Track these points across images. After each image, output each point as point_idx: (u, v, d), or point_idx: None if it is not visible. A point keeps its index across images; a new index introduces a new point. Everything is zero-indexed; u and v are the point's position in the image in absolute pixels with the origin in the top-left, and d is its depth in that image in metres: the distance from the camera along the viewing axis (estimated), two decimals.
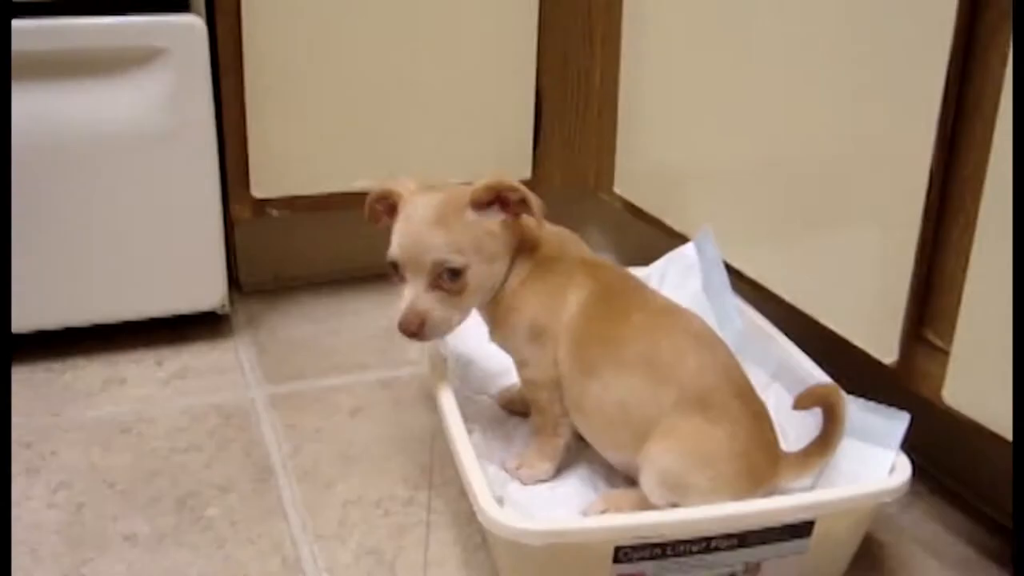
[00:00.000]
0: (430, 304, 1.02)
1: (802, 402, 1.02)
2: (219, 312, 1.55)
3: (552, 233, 1.11)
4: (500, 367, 1.25)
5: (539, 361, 1.08)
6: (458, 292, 1.03)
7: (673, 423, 0.99)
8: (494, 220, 1.05)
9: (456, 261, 1.01)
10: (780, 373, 1.20)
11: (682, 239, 1.44)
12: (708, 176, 1.42)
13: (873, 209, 1.10)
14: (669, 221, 1.51)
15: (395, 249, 1.03)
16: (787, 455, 1.03)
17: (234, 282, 1.71)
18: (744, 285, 1.34)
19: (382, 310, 1.64)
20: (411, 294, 1.02)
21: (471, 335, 1.16)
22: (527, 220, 1.07)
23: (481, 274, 1.04)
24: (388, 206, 1.08)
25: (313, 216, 1.71)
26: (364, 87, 1.57)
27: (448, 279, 1.01)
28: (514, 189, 1.03)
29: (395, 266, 1.03)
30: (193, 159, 1.44)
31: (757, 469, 0.99)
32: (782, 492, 1.01)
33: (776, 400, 1.17)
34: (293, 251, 1.76)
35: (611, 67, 1.64)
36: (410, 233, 1.02)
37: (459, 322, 1.05)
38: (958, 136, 1.00)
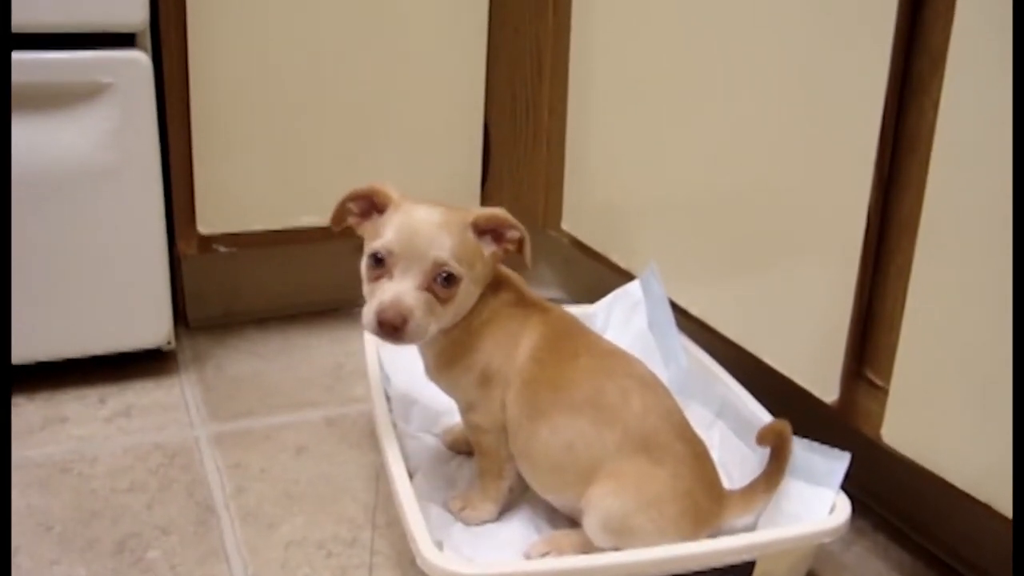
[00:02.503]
0: (417, 302, 0.97)
1: (764, 438, 1.03)
2: (164, 349, 1.53)
3: (513, 276, 1.12)
4: (444, 406, 1.25)
5: (487, 405, 1.08)
6: (444, 300, 0.99)
7: (617, 465, 0.99)
8: (487, 248, 1.05)
9: (456, 268, 0.99)
10: (724, 411, 1.21)
11: (628, 276, 1.45)
12: (654, 213, 1.43)
13: (814, 248, 1.12)
14: (615, 258, 1.52)
15: (391, 239, 0.98)
16: (730, 494, 1.04)
17: (181, 318, 1.69)
18: (689, 323, 1.35)
19: (331, 347, 1.64)
20: (399, 287, 0.97)
21: (417, 373, 1.15)
22: (503, 271, 1.09)
23: (465, 293, 1.02)
24: (366, 208, 1.05)
25: (262, 251, 1.70)
26: (311, 124, 1.56)
27: (442, 283, 0.99)
28: (515, 227, 1.04)
29: (381, 260, 0.98)
30: (138, 195, 1.42)
31: (701, 509, 0.99)
32: (725, 532, 1.02)
33: (720, 438, 1.18)
34: (242, 287, 1.75)
35: (559, 101, 1.65)
36: (413, 228, 0.99)
37: (431, 333, 1.00)
38: (894, 178, 1.02)
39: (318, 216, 1.60)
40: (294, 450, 1.33)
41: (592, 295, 1.44)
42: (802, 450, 1.03)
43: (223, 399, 1.46)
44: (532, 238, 1.08)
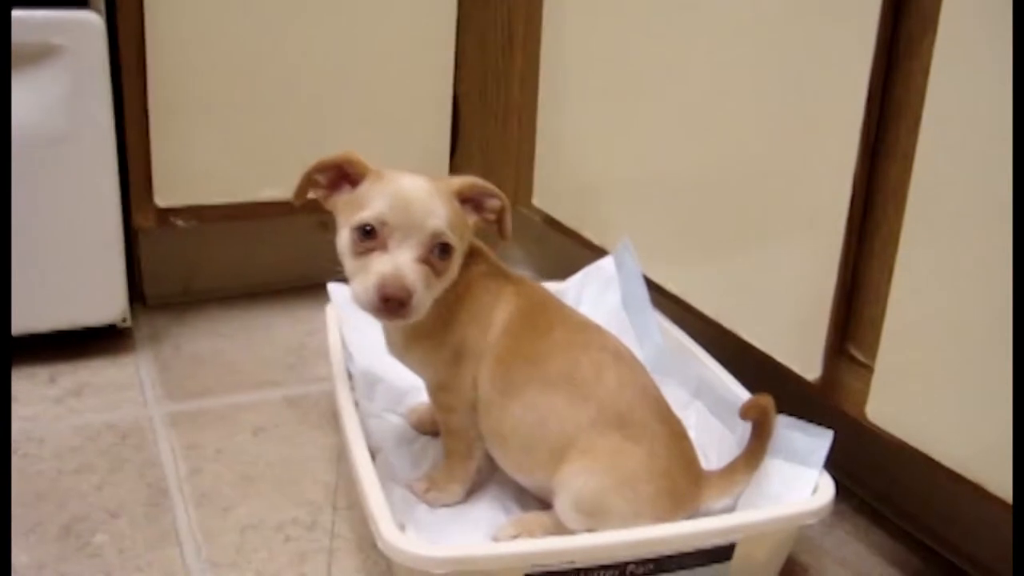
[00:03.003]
0: (418, 276, 0.91)
1: (747, 412, 0.98)
2: (120, 326, 1.47)
3: (483, 247, 1.06)
4: (409, 384, 1.20)
5: (458, 383, 1.03)
6: (440, 273, 0.94)
7: (591, 442, 0.95)
8: (469, 218, 1.00)
9: (451, 238, 0.93)
10: (701, 391, 1.17)
11: (602, 253, 1.40)
12: (628, 189, 1.39)
13: (795, 221, 1.07)
14: (588, 234, 1.47)
15: (383, 209, 0.91)
16: (709, 474, 0.99)
17: (138, 295, 1.63)
18: (665, 300, 1.31)
19: (293, 325, 1.59)
20: (399, 259, 0.91)
21: (382, 351, 1.10)
22: (474, 241, 1.03)
23: (455, 266, 0.97)
24: (335, 179, 0.98)
25: (223, 226, 1.65)
26: (274, 93, 1.50)
27: (439, 255, 0.93)
28: (497, 196, 1.00)
29: (370, 232, 0.92)
30: (91, 164, 1.36)
31: (678, 489, 0.95)
32: (704, 513, 0.97)
33: (697, 419, 1.14)
34: (202, 263, 1.69)
35: (531, 77, 1.60)
36: (407, 197, 0.93)
37: (426, 310, 0.94)
38: (881, 146, 0.98)
39: (280, 189, 1.55)
40: (252, 431, 1.27)
41: (564, 274, 1.40)
42: (784, 428, 0.98)
43: (180, 378, 1.41)
44: (514, 221, 1.03)
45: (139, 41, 1.40)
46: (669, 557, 0.88)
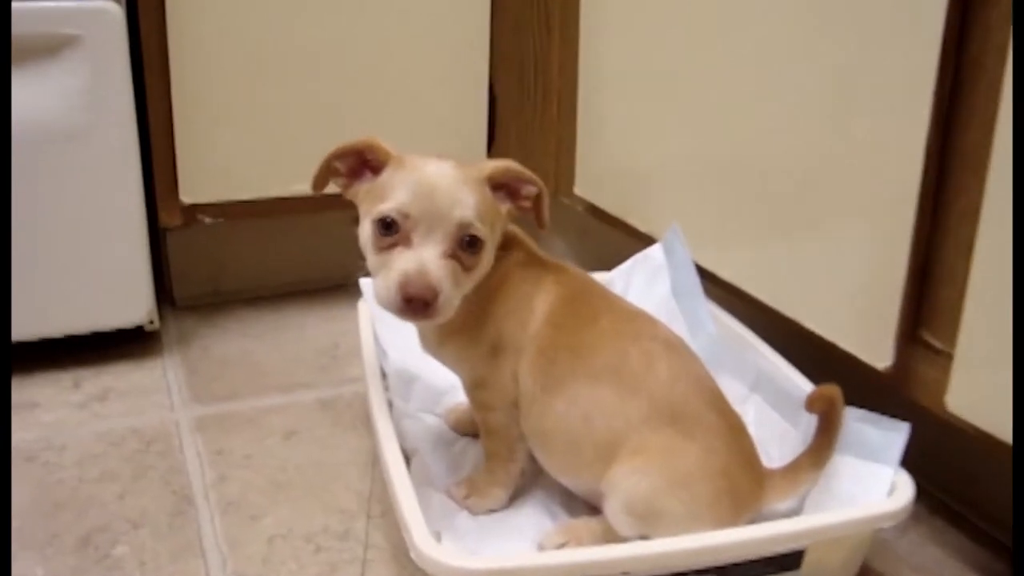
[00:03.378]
0: (445, 273, 0.84)
1: (814, 404, 0.90)
2: (147, 328, 1.41)
3: (520, 234, 0.99)
4: (447, 384, 1.12)
5: (497, 380, 0.95)
6: (469, 268, 0.86)
7: (643, 439, 0.87)
8: (503, 206, 0.92)
9: (481, 230, 0.86)
10: (760, 384, 1.08)
11: (649, 241, 1.32)
12: (676, 173, 1.31)
13: (861, 197, 0.99)
14: (634, 222, 1.39)
15: (406, 200, 0.84)
16: (772, 473, 0.91)
17: (167, 297, 1.58)
18: (717, 288, 1.23)
19: (326, 325, 1.52)
20: (423, 255, 0.83)
21: (418, 348, 1.03)
22: (510, 228, 0.96)
23: (487, 259, 0.89)
24: (355, 166, 0.91)
25: (252, 224, 1.59)
26: (302, 84, 1.44)
27: (467, 249, 0.86)
28: (533, 181, 0.92)
29: (392, 225, 0.84)
30: (112, 160, 1.31)
31: (739, 490, 0.87)
32: (766, 516, 0.89)
33: (756, 414, 1.06)
34: (231, 263, 1.63)
35: (570, 60, 1.53)
36: (431, 186, 0.85)
37: (454, 309, 0.86)
38: (956, 109, 0.89)
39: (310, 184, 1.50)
40: (283, 435, 1.20)
41: (609, 266, 1.32)
42: (855, 421, 0.90)
43: (208, 381, 1.34)
44: (552, 210, 0.96)
45: (161, 33, 1.35)
46: (732, 566, 0.80)
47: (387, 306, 0.85)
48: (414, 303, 0.83)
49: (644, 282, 1.26)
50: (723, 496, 0.86)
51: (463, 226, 0.85)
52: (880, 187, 0.96)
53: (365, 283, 1.23)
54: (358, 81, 1.47)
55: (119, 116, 1.29)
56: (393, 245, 0.85)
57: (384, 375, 1.14)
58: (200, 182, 1.44)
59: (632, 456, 0.87)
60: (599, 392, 0.90)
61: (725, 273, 1.20)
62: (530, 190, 0.93)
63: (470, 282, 0.89)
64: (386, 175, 0.89)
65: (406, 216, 0.85)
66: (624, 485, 0.86)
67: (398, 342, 1.17)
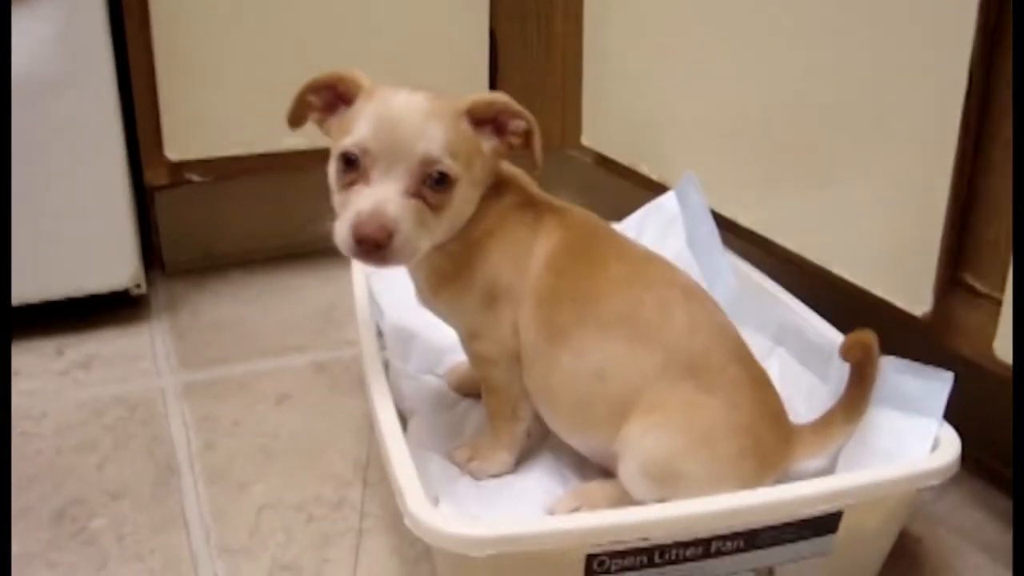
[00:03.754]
0: (404, 211, 0.77)
1: (849, 350, 0.82)
2: (133, 293, 1.33)
3: (515, 174, 0.91)
4: (449, 342, 1.04)
5: (494, 331, 0.88)
6: (438, 208, 0.79)
7: (659, 394, 0.80)
8: (487, 143, 0.84)
9: (450, 166, 0.78)
10: (784, 336, 1.00)
11: (661, 190, 1.24)
12: (690, 119, 1.22)
13: (894, 128, 0.90)
14: (645, 170, 1.31)
15: (365, 134, 0.78)
16: (800, 428, 0.84)
17: (156, 262, 1.50)
18: (736, 238, 1.15)
19: (322, 287, 1.45)
20: (380, 193, 0.77)
21: (415, 304, 0.95)
22: (507, 168, 0.89)
23: (463, 199, 0.82)
24: (331, 99, 0.85)
25: (244, 183, 1.50)
26: (295, 30, 1.35)
27: (434, 186, 0.78)
28: (521, 115, 0.83)
29: (353, 161, 0.78)
30: (91, 112, 1.23)
31: (764, 447, 0.80)
32: (794, 476, 0.82)
33: (781, 368, 0.98)
34: (223, 225, 1.55)
35: (574, 4, 1.44)
36: (394, 118, 0.78)
37: (423, 251, 0.80)
38: (1002, 24, 0.80)
39: (305, 138, 1.40)
40: (274, 399, 1.13)
41: (619, 220, 1.23)
42: (892, 371, 0.82)
43: (197, 346, 1.27)
44: (549, 158, 0.88)
45: None
46: (762, 530, 0.72)
47: (343, 248, 0.78)
48: (365, 244, 0.76)
49: (657, 233, 1.18)
50: (747, 455, 0.79)
51: (427, 161, 0.78)
52: (917, 115, 0.88)
53: None
54: (353, 28, 1.38)
55: (96, 65, 1.22)
56: (353, 183, 0.79)
57: (380, 334, 1.07)
58: (186, 137, 1.36)
59: (648, 413, 0.79)
60: (610, 343, 0.82)
61: (744, 220, 1.12)
62: (518, 125, 0.84)
63: (442, 224, 0.81)
64: (355, 107, 0.82)
65: (365, 151, 0.78)
66: (640, 445, 0.79)
67: (395, 299, 1.09)
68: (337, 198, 0.81)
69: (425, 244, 0.80)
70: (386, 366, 1.00)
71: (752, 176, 1.12)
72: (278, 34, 1.35)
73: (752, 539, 0.73)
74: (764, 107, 1.08)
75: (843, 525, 0.74)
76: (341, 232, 0.77)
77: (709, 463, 0.77)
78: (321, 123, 0.86)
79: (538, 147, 0.85)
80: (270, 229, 1.57)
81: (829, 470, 0.84)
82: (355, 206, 0.77)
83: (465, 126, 0.82)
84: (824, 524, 0.74)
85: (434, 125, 0.79)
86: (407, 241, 0.77)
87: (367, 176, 0.78)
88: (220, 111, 1.36)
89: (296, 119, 0.86)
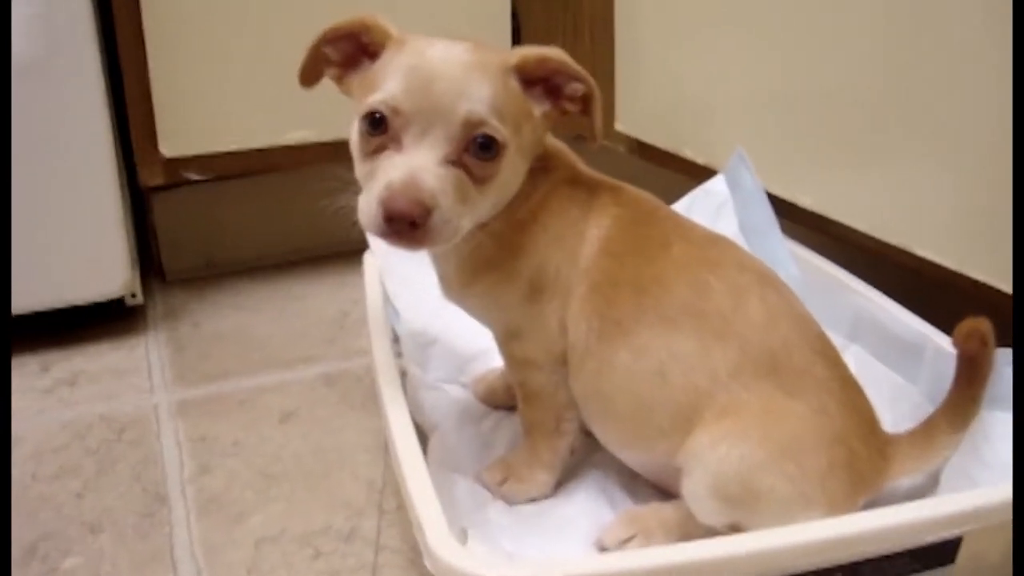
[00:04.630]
0: (443, 184, 0.65)
1: (965, 341, 0.69)
2: (128, 303, 1.22)
3: (564, 149, 0.78)
4: (475, 347, 0.93)
5: (539, 327, 0.75)
6: (483, 180, 0.67)
7: (733, 398, 0.67)
8: (538, 106, 0.71)
9: (497, 129, 0.66)
10: (860, 331, 0.88)
11: (708, 174, 1.12)
12: (737, 95, 1.11)
13: (980, 84, 0.77)
14: (689, 153, 1.19)
15: (396, 90, 0.66)
16: (897, 439, 0.71)
17: (156, 270, 1.38)
18: (795, 223, 1.02)
19: (334, 293, 1.32)
20: (414, 160, 0.65)
21: (436, 305, 0.82)
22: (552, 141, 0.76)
23: (510, 170, 0.69)
24: (352, 52, 0.72)
25: (248, 183, 1.39)
26: (300, 11, 1.23)
27: (478, 154, 0.66)
28: (580, 76, 0.70)
29: (381, 122, 0.66)
30: (76, 100, 1.11)
31: (858, 461, 0.67)
32: (889, 496, 0.69)
33: (858, 368, 0.85)
34: (228, 230, 1.43)
35: None
36: (431, 72, 0.66)
37: (464, 232, 0.67)
38: None
39: (312, 130, 1.29)
40: (279, 417, 1.01)
41: None
42: (1005, 366, 0.68)
43: (196, 360, 1.15)
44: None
45: None
46: (863, 564, 0.59)
47: (369, 228, 0.65)
48: (397, 222, 0.63)
49: (706, 221, 1.03)
50: (839, 470, 0.66)
51: (471, 123, 0.65)
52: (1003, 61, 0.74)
53: None
54: (366, 9, 1.26)
55: (80, 47, 1.10)
56: (381, 148, 0.66)
57: (397, 339, 0.94)
58: (183, 132, 1.24)
59: (720, 420, 0.66)
60: (675, 338, 0.69)
61: (806, 201, 1.00)
62: (576, 88, 0.71)
63: (487, 200, 0.68)
64: (382, 60, 0.69)
65: (396, 111, 0.65)
66: (710, 458, 0.66)
67: (413, 299, 0.97)
68: (361, 168, 0.68)
69: (467, 223, 0.67)
70: (403, 375, 0.87)
71: (812, 153, 1.00)
72: (283, 17, 1.23)
73: (853, 574, 0.59)
74: (822, 76, 0.96)
75: (962, 555, 0.61)
76: (367, 208, 0.65)
77: (794, 480, 0.64)
78: (340, 80, 0.73)
79: (598, 115, 0.72)
80: (277, 232, 1.45)
81: (930, 488, 0.71)
82: (385, 176, 0.65)
83: (514, 84, 0.69)
84: (939, 554, 0.60)
85: (479, 81, 0.66)
86: (447, 219, 0.65)
87: (398, 141, 0.66)
88: (219, 101, 1.24)
89: (309, 75, 0.74)
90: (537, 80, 0.71)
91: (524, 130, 0.70)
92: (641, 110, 1.30)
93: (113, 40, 1.17)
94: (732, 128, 1.12)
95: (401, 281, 0.98)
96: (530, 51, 0.70)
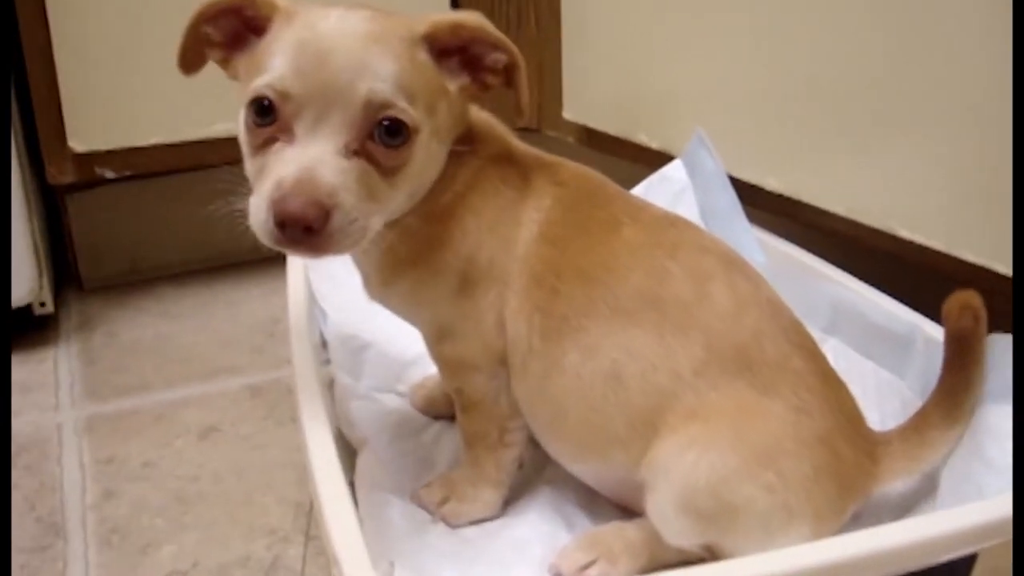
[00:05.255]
0: (343, 178, 0.56)
1: (955, 317, 0.61)
2: (37, 313, 1.12)
3: (489, 122, 0.69)
4: (414, 352, 0.84)
5: (473, 325, 0.66)
6: (392, 171, 0.58)
7: (700, 398, 0.59)
8: (453, 81, 0.62)
9: (405, 111, 0.57)
10: (839, 322, 0.81)
11: (665, 160, 1.03)
12: (697, 76, 1.03)
13: (964, 46, 0.69)
14: (644, 138, 1.11)
15: (283, 69, 0.56)
16: (886, 437, 0.64)
17: (73, 276, 1.27)
18: (760, 209, 0.94)
19: (265, 299, 1.23)
20: (309, 153, 0.56)
21: (368, 306, 0.73)
22: (478, 115, 0.67)
23: (424, 157, 0.60)
24: (236, 29, 0.62)
25: (171, 182, 1.28)
26: None
27: (384, 141, 0.57)
28: (500, 43, 0.61)
29: (268, 109, 0.56)
30: None
31: (844, 463, 0.59)
32: (881, 503, 0.61)
33: (837, 362, 0.76)
34: (151, 233, 1.33)
35: None
36: (324, 47, 0.57)
37: (372, 232, 0.58)
38: None
39: (234, 124, 1.19)
40: (198, 433, 0.91)
41: None
42: (1003, 352, 0.60)
43: (109, 372, 1.05)
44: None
45: None
46: None
47: (262, 235, 0.56)
48: (291, 227, 0.54)
49: (663, 208, 0.97)
50: (824, 476, 0.58)
51: (374, 105, 0.56)
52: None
53: None
54: None
55: None
56: (272, 141, 0.57)
57: (325, 344, 0.85)
58: (95, 125, 1.15)
59: (685, 424, 0.58)
60: (630, 333, 0.61)
61: (773, 183, 0.92)
62: (498, 57, 0.62)
63: (398, 192, 0.59)
64: (269, 36, 0.59)
65: (285, 96, 0.56)
66: (676, 469, 0.57)
67: (342, 300, 0.87)
68: (250, 165, 0.59)
69: (376, 222, 0.58)
70: (331, 384, 0.78)
71: (778, 132, 0.93)
72: None
73: None
74: (787, 51, 0.89)
75: (978, 571, 0.52)
76: (257, 212, 0.55)
77: (774, 489, 0.56)
78: (225, 64, 0.63)
79: (524, 86, 0.63)
80: (205, 234, 1.34)
81: (926, 491, 0.63)
82: (275, 174, 0.55)
83: (424, 57, 0.60)
84: (951, 573, 0.52)
85: (381, 54, 0.57)
86: (351, 219, 0.55)
87: (290, 131, 0.56)
88: (136, 91, 1.15)
89: (189, 60, 0.63)
90: (452, 50, 0.61)
91: (439, 109, 0.60)
92: (590, 96, 1.22)
93: (14, 20, 1.07)
94: (689, 110, 1.04)
95: (329, 280, 0.89)
96: (442, 17, 0.61)
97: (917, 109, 0.77)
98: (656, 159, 1.07)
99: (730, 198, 0.93)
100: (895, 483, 0.62)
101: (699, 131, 0.97)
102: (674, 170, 1.00)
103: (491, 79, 0.63)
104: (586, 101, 1.23)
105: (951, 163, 0.75)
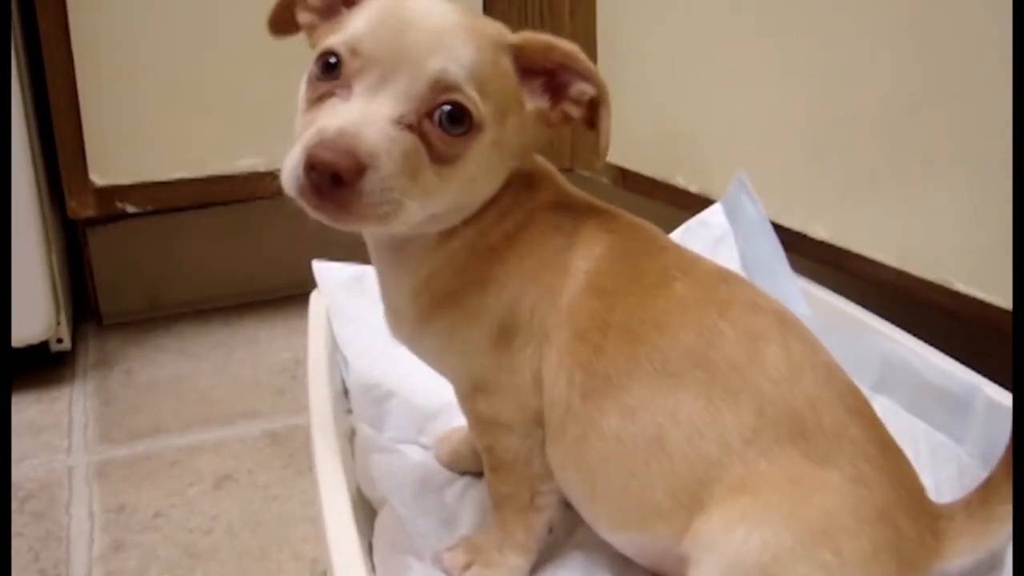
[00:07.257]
0: (389, 144, 0.52)
1: None
2: (54, 349, 1.09)
3: (551, 170, 0.66)
4: (440, 402, 0.79)
5: (509, 381, 0.62)
6: (444, 159, 0.55)
7: (751, 469, 0.55)
8: (532, 101, 0.59)
9: (474, 100, 0.55)
10: (889, 380, 0.76)
11: (704, 204, 1.00)
12: (737, 116, 1.00)
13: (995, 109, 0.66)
14: (681, 181, 1.07)
15: (360, 30, 0.55)
16: (948, 509, 0.59)
17: (92, 311, 1.25)
18: (804, 258, 0.90)
19: (287, 340, 1.20)
20: (361, 110, 0.53)
21: (393, 352, 0.69)
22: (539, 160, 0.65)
23: (483, 163, 0.57)
24: (332, 2, 0.61)
25: (194, 217, 1.26)
26: (246, 23, 1.11)
27: (444, 123, 0.54)
28: (591, 76, 0.58)
29: (334, 66, 0.54)
30: None
31: (906, 540, 0.55)
32: None
33: (887, 423, 0.72)
34: (172, 268, 1.30)
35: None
36: (406, 18, 0.55)
37: (410, 216, 0.54)
38: None
39: (264, 157, 1.16)
40: (213, 482, 0.88)
41: None
42: None
43: (124, 413, 1.02)
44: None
45: None
46: None
47: (288, 185, 0.52)
48: (320, 170, 0.50)
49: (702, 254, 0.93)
50: (884, 553, 0.53)
51: (442, 84, 0.54)
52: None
53: (319, 267, 0.90)
54: None
55: None
56: (328, 95, 0.55)
57: (346, 392, 0.81)
58: (117, 158, 1.13)
59: (735, 497, 0.54)
60: (677, 396, 0.57)
61: (820, 231, 0.88)
62: (584, 89, 0.59)
63: (445, 187, 0.56)
64: (359, 7, 0.58)
65: (355, 52, 0.54)
66: (724, 545, 0.53)
67: (365, 345, 0.84)
68: (301, 120, 0.56)
69: (412, 208, 0.54)
70: (352, 435, 0.74)
71: (825, 178, 0.89)
72: (232, 27, 1.10)
73: None
74: (835, 93, 0.85)
75: None
76: (291, 159, 0.52)
77: (831, 569, 0.52)
78: (312, 30, 0.61)
79: (607, 127, 0.60)
80: (227, 271, 1.32)
81: (989, 568, 0.58)
82: (320, 122, 0.52)
83: (507, 65, 0.58)
84: None
85: (463, 41, 0.55)
86: (385, 186, 0.52)
87: (349, 87, 0.54)
88: (159, 125, 1.13)
89: (279, 20, 0.62)
90: (539, 70, 0.59)
91: (509, 121, 0.57)
92: (626, 136, 1.18)
93: (38, 51, 1.05)
94: (729, 152, 1.01)
95: (352, 323, 0.85)
96: (536, 35, 0.58)
97: (969, 148, 0.74)
98: (694, 203, 1.04)
99: (773, 245, 0.89)
100: (959, 561, 0.58)
101: (741, 174, 0.93)
102: (714, 215, 0.96)
103: (573, 110, 0.60)
104: (622, 141, 1.19)
105: (1008, 207, 0.71)
